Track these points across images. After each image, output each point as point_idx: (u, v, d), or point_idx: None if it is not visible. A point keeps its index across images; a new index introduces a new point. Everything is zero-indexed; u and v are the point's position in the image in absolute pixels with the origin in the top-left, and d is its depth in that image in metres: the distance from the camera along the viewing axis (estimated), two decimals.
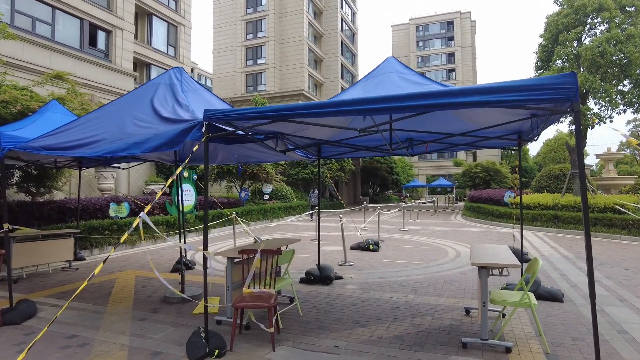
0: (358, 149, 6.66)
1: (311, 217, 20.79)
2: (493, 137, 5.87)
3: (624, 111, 14.19)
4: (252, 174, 17.84)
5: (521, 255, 6.14)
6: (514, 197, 17.22)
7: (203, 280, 3.90)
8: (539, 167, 36.94)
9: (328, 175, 25.04)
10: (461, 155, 60.87)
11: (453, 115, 4.72)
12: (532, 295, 4.01)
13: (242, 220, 14.03)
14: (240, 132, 4.85)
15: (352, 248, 10.30)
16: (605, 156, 21.71)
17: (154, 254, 10.27)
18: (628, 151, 44.27)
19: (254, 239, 11.43)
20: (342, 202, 8.53)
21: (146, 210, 3.55)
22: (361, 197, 38.08)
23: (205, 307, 3.93)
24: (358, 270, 7.74)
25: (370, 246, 9.98)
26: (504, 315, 4.86)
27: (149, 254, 10.36)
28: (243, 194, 17.94)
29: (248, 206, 17.90)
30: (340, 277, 6.99)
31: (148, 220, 3.61)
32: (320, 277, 6.68)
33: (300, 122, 3.86)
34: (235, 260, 4.80)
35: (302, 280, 6.75)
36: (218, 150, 6.46)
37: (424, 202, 34.71)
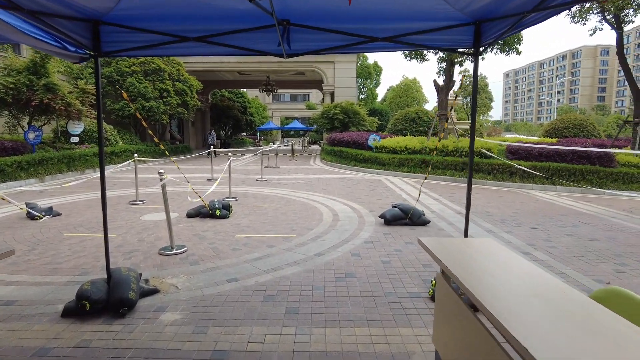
0: (185, 36, 3.26)
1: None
2: (442, 25, 3.16)
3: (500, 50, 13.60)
4: (41, 104, 12.28)
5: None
6: (379, 141, 15.87)
7: None
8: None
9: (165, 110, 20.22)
10: (313, 99, 60.21)
11: None
12: None
13: None
14: None
15: (189, 215, 6.97)
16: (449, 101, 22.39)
17: None
18: (459, 98, 49.23)
19: (28, 212, 7.09)
20: (161, 145, 5.01)
21: None
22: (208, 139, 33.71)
23: None
24: (192, 263, 4.57)
25: (217, 211, 6.81)
26: None
27: None
28: (31, 135, 12.39)
29: (41, 152, 12.51)
30: (153, 290, 3.72)
31: None
32: (108, 300, 3.32)
33: None
34: None
35: (67, 312, 3.28)
36: None
37: (280, 146, 32.53)
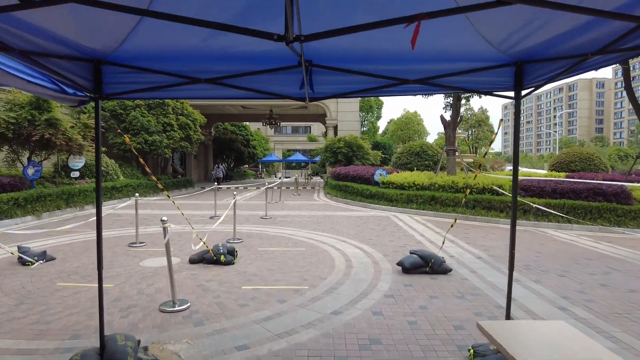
0: (195, 77, 2.96)
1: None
2: (479, 65, 2.86)
3: None
4: (42, 139, 12.02)
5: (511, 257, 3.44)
6: (386, 176, 15.55)
7: None
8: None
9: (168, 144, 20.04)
10: (315, 131, 60.51)
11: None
12: None
13: None
14: None
15: (192, 261, 6.51)
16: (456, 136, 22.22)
17: None
18: (460, 131, 49.51)
19: (20, 257, 6.64)
20: (159, 184, 4.56)
21: None
22: (213, 172, 33.50)
23: None
24: (196, 323, 4.10)
25: (222, 257, 6.35)
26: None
27: None
28: (30, 171, 12.07)
29: (39, 188, 12.15)
30: None
31: None
32: None
33: None
34: None
35: None
36: None
37: (288, 177, 32.30)
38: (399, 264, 6.06)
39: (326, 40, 2.48)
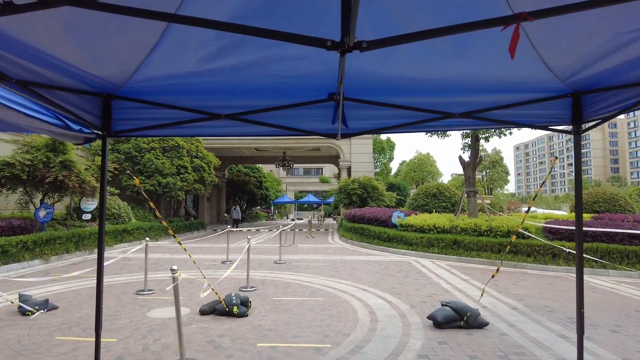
0: (215, 112, 2.66)
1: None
2: (534, 97, 2.51)
3: None
4: (55, 181, 11.92)
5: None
6: (404, 218, 15.01)
7: None
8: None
9: (182, 186, 19.91)
10: (327, 172, 60.57)
11: None
12: None
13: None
14: None
15: (203, 312, 6.00)
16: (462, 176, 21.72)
17: None
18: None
19: (20, 306, 6.23)
20: (165, 224, 4.17)
21: None
22: (225, 214, 33.22)
23: None
24: None
25: (235, 309, 5.84)
26: None
27: None
28: (42, 213, 11.87)
29: (49, 231, 11.90)
30: None
31: None
32: None
33: None
34: None
35: None
36: None
37: (300, 219, 31.84)
38: (430, 317, 5.48)
39: (364, 68, 2.18)
